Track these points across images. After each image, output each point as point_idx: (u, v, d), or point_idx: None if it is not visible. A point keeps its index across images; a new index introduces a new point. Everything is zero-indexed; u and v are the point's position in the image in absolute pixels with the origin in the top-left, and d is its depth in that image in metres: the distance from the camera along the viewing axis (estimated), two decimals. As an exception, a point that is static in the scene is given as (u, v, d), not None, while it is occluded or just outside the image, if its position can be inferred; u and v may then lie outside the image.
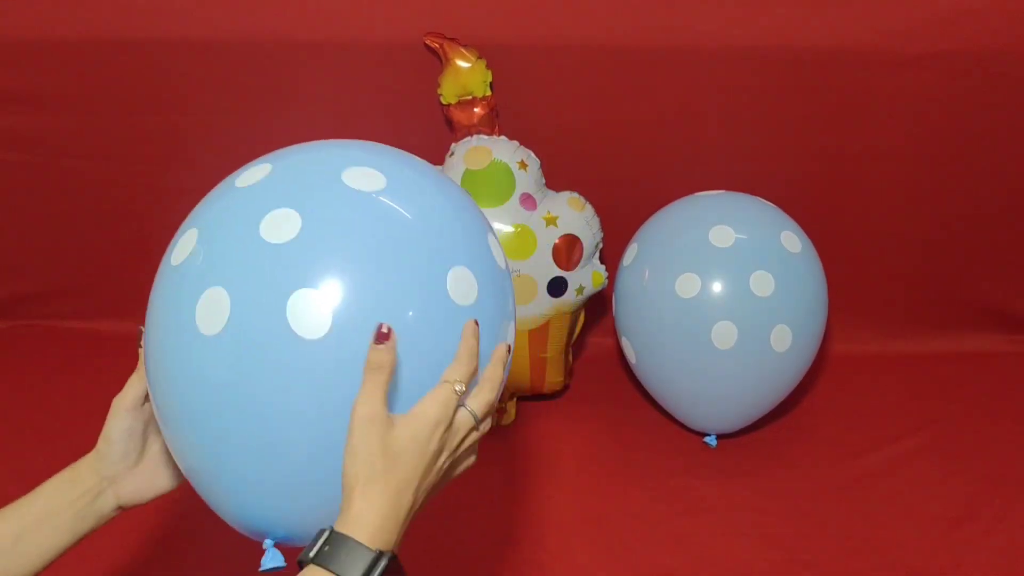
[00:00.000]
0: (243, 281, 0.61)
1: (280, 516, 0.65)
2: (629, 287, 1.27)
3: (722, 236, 1.20)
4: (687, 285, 1.19)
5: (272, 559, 0.67)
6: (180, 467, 0.67)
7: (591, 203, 1.30)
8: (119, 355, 1.52)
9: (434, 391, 0.61)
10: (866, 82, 1.33)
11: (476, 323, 0.64)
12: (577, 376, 1.46)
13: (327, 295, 0.60)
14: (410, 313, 0.61)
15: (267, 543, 0.67)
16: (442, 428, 0.60)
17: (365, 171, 0.67)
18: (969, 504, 1.20)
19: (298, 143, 0.71)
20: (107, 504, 0.70)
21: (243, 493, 0.64)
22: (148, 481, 0.72)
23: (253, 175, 0.69)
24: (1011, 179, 1.41)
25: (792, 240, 1.22)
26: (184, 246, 0.66)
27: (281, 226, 0.62)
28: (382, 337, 0.58)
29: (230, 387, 0.60)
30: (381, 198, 0.65)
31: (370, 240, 0.62)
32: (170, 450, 0.67)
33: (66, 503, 0.67)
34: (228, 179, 0.72)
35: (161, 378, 0.64)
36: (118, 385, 0.71)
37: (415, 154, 1.36)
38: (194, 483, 0.67)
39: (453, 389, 0.61)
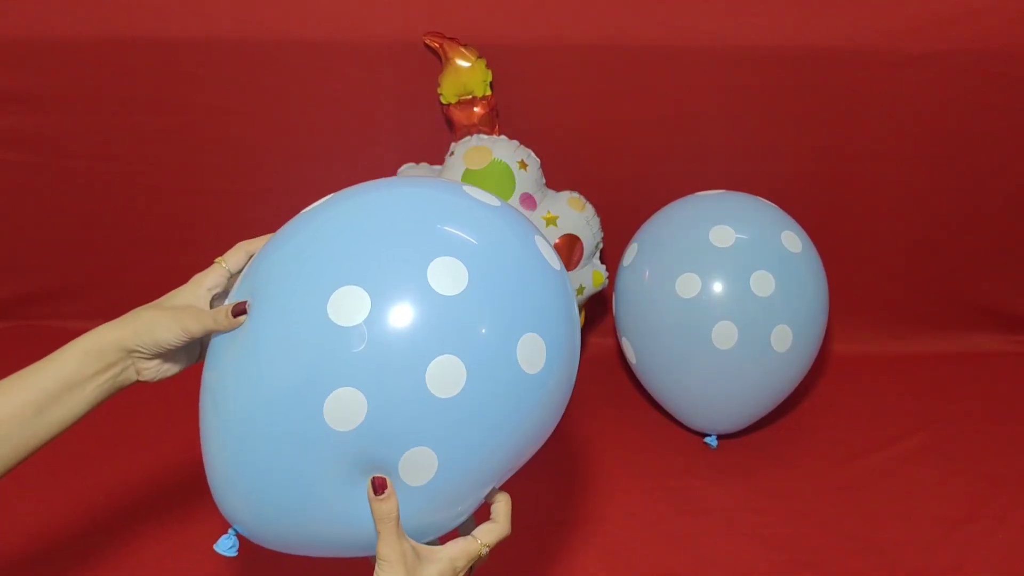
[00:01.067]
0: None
1: (269, 529, 0.67)
2: (629, 287, 1.27)
3: (722, 236, 1.20)
4: (687, 285, 1.18)
5: (229, 546, 0.70)
6: (205, 452, 0.69)
7: (591, 203, 1.30)
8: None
9: (466, 544, 0.68)
10: (866, 82, 1.33)
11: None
12: (577, 376, 1.46)
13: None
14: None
15: (235, 530, 0.69)
16: (463, 573, 0.68)
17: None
18: (970, 504, 1.20)
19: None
20: (129, 378, 0.69)
21: (255, 505, 0.66)
22: (171, 361, 0.71)
23: (450, 284, 0.63)
24: (1011, 179, 1.41)
25: (793, 240, 1.22)
26: (349, 306, 0.62)
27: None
28: (380, 488, 0.63)
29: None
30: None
31: None
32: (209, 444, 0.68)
33: (89, 375, 0.66)
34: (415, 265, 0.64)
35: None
36: None
37: (415, 152, 1.37)
38: (209, 470, 0.69)
39: (481, 552, 0.68)
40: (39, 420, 0.65)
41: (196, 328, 0.67)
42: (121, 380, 0.68)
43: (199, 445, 0.70)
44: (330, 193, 0.75)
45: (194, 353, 0.74)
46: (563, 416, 1.42)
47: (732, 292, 1.17)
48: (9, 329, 1.59)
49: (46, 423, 0.65)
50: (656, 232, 1.27)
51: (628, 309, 1.28)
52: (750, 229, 1.21)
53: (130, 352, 0.67)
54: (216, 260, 0.73)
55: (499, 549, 1.13)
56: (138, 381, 0.70)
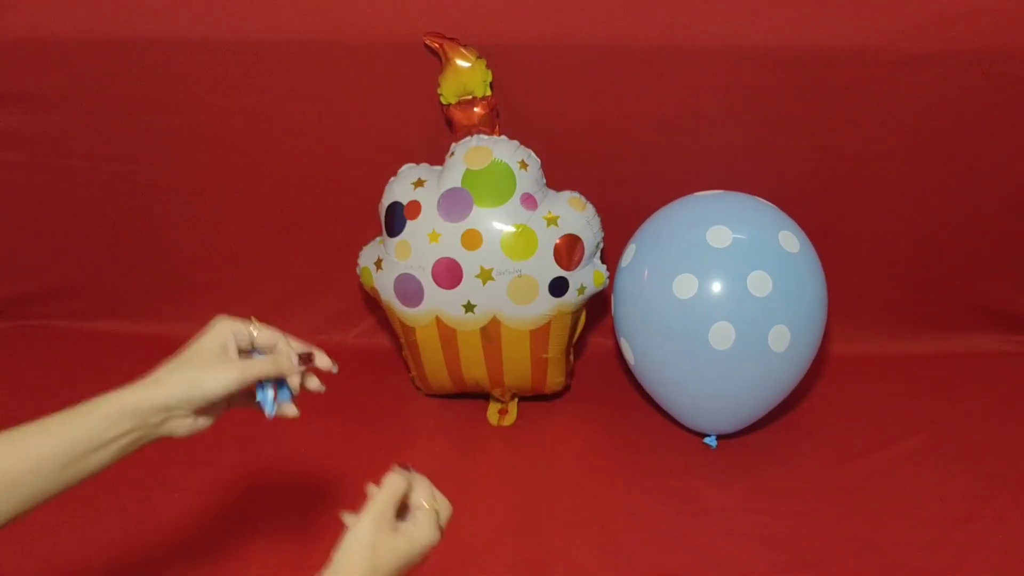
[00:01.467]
0: None
1: None
2: (627, 288, 1.27)
3: (719, 236, 1.20)
4: (684, 286, 1.19)
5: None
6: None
7: (592, 203, 1.30)
8: (119, 355, 1.53)
9: (429, 522, 0.70)
10: (866, 82, 1.32)
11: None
12: (578, 377, 1.46)
13: None
14: None
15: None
16: (424, 555, 0.70)
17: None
18: (970, 504, 1.20)
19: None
20: (159, 435, 0.69)
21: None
22: (205, 415, 0.72)
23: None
24: (1011, 179, 1.41)
25: (790, 240, 1.22)
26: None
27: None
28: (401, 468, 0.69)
29: None
30: None
31: None
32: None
33: (116, 435, 0.66)
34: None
35: None
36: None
37: (416, 153, 1.38)
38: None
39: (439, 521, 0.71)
40: (63, 472, 0.65)
41: (254, 372, 0.70)
42: (149, 438, 0.69)
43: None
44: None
45: (221, 407, 0.74)
46: (562, 417, 1.43)
47: (729, 292, 1.17)
48: (9, 329, 1.60)
49: (70, 474, 0.65)
50: (654, 232, 1.27)
51: (626, 310, 1.28)
52: (747, 229, 1.21)
53: (169, 410, 0.68)
54: (251, 319, 0.75)
55: (500, 550, 1.13)
56: (165, 437, 0.70)
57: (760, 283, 1.17)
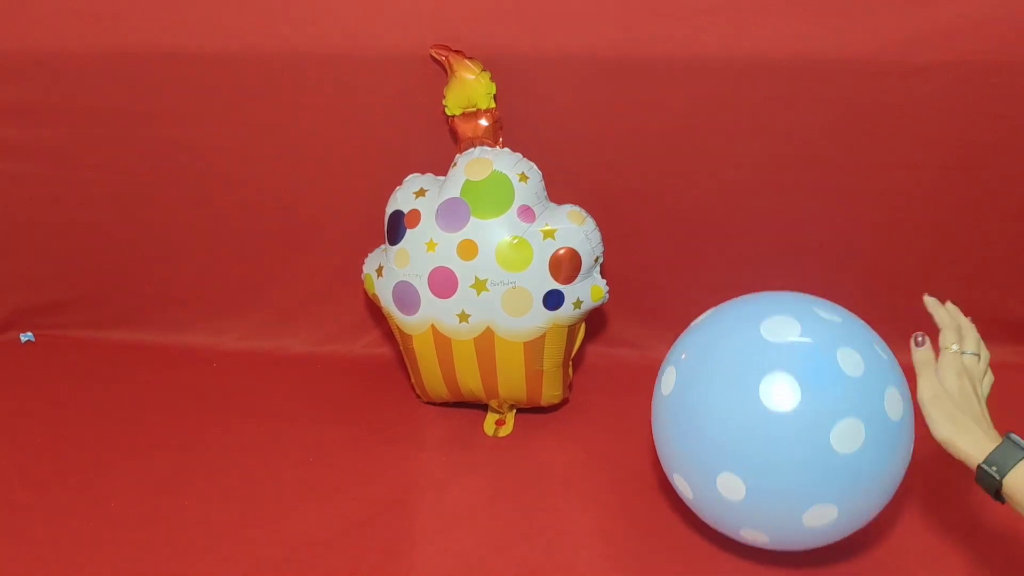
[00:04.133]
0: None
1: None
2: (671, 417, 1.08)
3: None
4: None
5: None
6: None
7: (595, 215, 1.30)
8: (132, 364, 1.55)
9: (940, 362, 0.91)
10: (872, 92, 1.32)
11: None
12: (579, 387, 1.47)
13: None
14: None
15: None
16: (964, 378, 0.92)
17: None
18: (977, 516, 1.19)
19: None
20: None
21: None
22: None
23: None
24: (1019, 189, 1.40)
25: (853, 358, 1.05)
26: None
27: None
28: (920, 343, 0.93)
29: None
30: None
31: None
32: None
33: None
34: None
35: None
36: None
37: (421, 163, 1.39)
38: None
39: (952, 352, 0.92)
40: None
41: None
42: None
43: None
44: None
45: None
46: (565, 427, 1.42)
47: None
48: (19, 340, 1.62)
49: None
50: (694, 351, 1.08)
51: (675, 443, 1.08)
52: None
53: None
54: None
55: (504, 560, 1.13)
56: None
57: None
